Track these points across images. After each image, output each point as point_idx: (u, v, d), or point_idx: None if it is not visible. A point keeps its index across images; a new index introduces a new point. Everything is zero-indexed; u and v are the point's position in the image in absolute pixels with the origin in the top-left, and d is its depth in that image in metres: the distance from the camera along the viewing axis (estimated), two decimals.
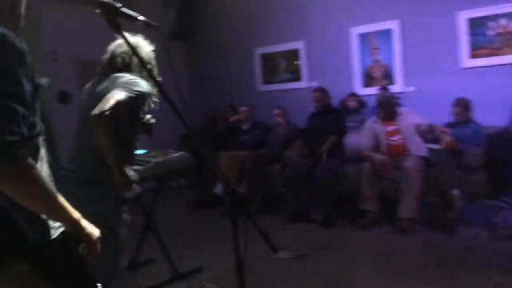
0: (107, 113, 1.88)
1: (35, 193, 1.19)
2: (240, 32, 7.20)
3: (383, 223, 4.60)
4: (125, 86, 2.01)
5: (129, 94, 1.98)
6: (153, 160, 3.29)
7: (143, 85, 2.07)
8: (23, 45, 1.20)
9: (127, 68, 2.14)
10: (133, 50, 1.57)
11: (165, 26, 7.25)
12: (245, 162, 5.60)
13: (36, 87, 1.25)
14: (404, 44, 5.76)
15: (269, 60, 7.05)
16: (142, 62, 1.59)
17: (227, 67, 7.40)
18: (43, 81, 1.29)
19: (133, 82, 2.05)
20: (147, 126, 2.36)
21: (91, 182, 2.11)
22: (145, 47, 2.22)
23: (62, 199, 1.29)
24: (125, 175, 2.01)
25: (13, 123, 1.12)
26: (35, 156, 1.27)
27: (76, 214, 1.33)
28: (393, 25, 5.79)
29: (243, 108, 6.28)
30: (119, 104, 1.93)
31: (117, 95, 1.95)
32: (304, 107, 5.93)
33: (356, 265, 3.76)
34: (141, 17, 1.59)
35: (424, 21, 5.54)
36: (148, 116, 2.26)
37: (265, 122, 6.27)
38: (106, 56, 2.23)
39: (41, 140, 1.33)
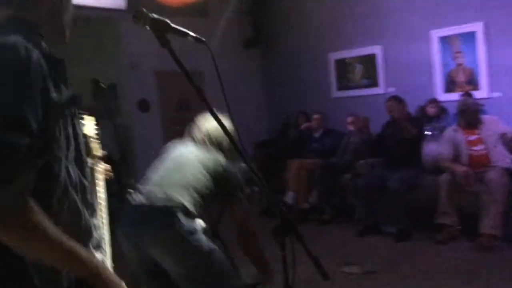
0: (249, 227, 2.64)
1: (36, 243, 0.99)
2: (314, 38, 7.12)
3: (462, 238, 4.34)
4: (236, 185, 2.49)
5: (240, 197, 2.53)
6: None
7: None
8: (30, 54, 0.98)
9: (219, 148, 2.54)
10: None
11: (240, 34, 7.36)
12: (315, 171, 5.53)
13: (56, 104, 1.05)
14: (489, 47, 5.39)
15: (344, 66, 6.90)
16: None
17: (301, 73, 7.33)
18: (66, 94, 1.09)
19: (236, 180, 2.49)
20: None
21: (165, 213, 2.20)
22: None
23: (76, 248, 1.05)
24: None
25: None
26: (50, 189, 1.05)
27: (94, 269, 1.08)
28: (477, 27, 5.44)
29: (315, 115, 6.21)
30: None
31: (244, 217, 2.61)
32: (381, 114, 5.70)
33: (430, 283, 3.56)
34: (191, 33, 1.55)
35: (510, 22, 5.14)
36: None
37: (338, 129, 6.14)
38: (203, 129, 2.58)
39: (69, 166, 1.11)
